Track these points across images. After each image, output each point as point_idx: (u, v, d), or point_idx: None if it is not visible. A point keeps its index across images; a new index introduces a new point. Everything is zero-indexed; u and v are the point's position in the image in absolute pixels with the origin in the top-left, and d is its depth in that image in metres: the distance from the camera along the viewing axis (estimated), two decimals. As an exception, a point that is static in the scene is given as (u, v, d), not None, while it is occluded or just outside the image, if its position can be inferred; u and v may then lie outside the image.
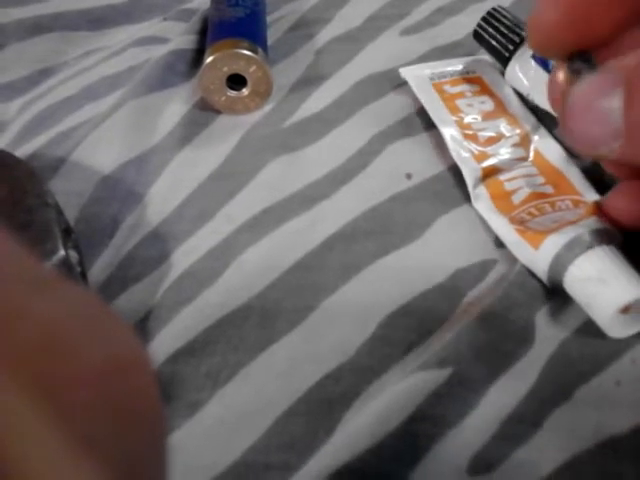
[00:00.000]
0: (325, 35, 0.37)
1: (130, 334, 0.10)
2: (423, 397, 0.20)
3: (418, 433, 0.20)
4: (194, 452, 0.21)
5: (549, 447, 0.19)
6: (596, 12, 0.18)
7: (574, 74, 0.19)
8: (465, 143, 0.29)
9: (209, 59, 0.32)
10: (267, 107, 0.33)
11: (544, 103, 0.30)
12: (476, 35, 0.33)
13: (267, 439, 0.21)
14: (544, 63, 0.31)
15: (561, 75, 0.20)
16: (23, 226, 0.26)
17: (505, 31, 0.32)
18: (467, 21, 0.35)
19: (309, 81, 0.34)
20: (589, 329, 0.22)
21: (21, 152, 0.34)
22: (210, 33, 0.34)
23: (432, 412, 0.20)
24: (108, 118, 0.33)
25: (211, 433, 0.22)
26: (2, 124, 0.37)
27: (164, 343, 0.24)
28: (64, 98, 0.36)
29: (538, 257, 0.23)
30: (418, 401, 0.20)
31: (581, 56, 0.19)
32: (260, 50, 0.33)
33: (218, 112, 0.34)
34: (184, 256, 0.27)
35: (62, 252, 0.26)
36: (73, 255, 0.27)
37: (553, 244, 0.23)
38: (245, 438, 0.21)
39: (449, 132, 0.29)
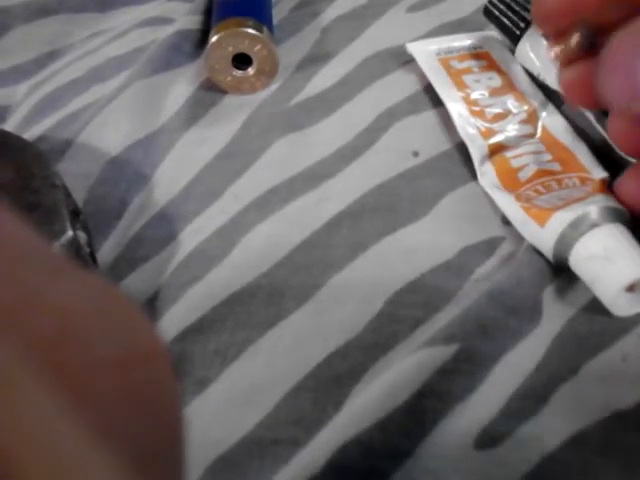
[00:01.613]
0: (331, 13, 0.36)
1: (147, 324, 0.10)
2: (430, 373, 0.21)
3: (425, 408, 0.20)
4: (203, 428, 0.22)
5: (555, 422, 0.20)
6: None
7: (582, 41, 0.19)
8: (472, 120, 0.28)
9: (214, 38, 0.32)
10: (273, 86, 0.33)
11: (555, 83, 0.29)
12: (486, 12, 0.32)
13: (275, 415, 0.21)
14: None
15: (573, 41, 0.21)
16: (30, 208, 0.26)
17: (517, 8, 0.31)
18: (474, -3, 0.35)
19: (315, 59, 0.34)
20: (596, 306, 0.22)
21: (28, 135, 0.34)
22: (215, 12, 0.34)
23: (439, 388, 0.20)
24: (114, 99, 0.33)
25: (220, 409, 0.22)
26: (9, 107, 0.37)
27: (172, 322, 0.25)
28: (71, 80, 0.36)
29: (544, 235, 0.23)
30: (425, 377, 0.20)
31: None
32: (265, 29, 0.33)
33: (224, 92, 0.33)
34: (192, 235, 0.28)
35: (70, 233, 0.26)
36: (82, 236, 0.27)
37: (559, 222, 0.23)
38: (253, 414, 0.22)
39: (456, 108, 0.29)
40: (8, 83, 0.38)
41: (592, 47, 0.21)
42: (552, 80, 0.30)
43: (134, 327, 0.09)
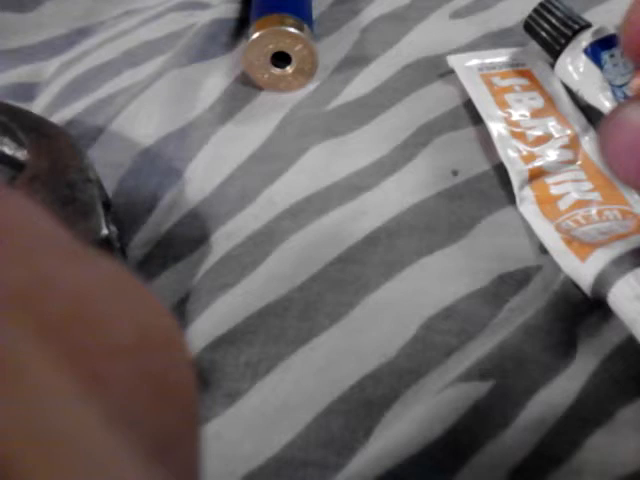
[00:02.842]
0: (371, 12, 0.36)
1: (163, 310, 0.10)
2: (465, 409, 0.21)
3: (458, 444, 0.20)
4: (233, 442, 0.22)
5: (588, 469, 0.20)
6: None
7: None
8: (513, 142, 0.28)
9: (255, 35, 0.31)
10: (310, 86, 0.33)
11: (594, 99, 0.29)
12: (527, 26, 0.32)
13: (306, 435, 0.22)
14: (596, 58, 0.30)
15: None
16: (66, 202, 0.26)
17: (557, 24, 0.31)
18: (520, 6, 0.34)
19: (354, 62, 0.33)
20: (631, 346, 0.22)
21: (58, 118, 0.33)
22: (255, 6, 0.33)
23: (473, 424, 0.21)
24: (148, 88, 0.33)
25: (250, 424, 0.22)
26: (38, 85, 0.36)
27: (203, 329, 0.25)
28: (103, 63, 0.35)
29: (584, 270, 0.23)
30: (460, 412, 0.21)
31: None
32: (306, 27, 0.32)
33: (260, 88, 0.33)
34: (224, 239, 0.27)
35: (105, 231, 0.26)
36: (113, 230, 0.27)
37: (601, 258, 0.23)
38: (284, 432, 0.22)
39: (497, 129, 0.28)
40: (38, 59, 0.37)
41: None
42: (591, 96, 0.29)
43: (149, 312, 0.09)
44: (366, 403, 0.22)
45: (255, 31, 0.31)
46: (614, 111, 0.14)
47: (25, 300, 0.08)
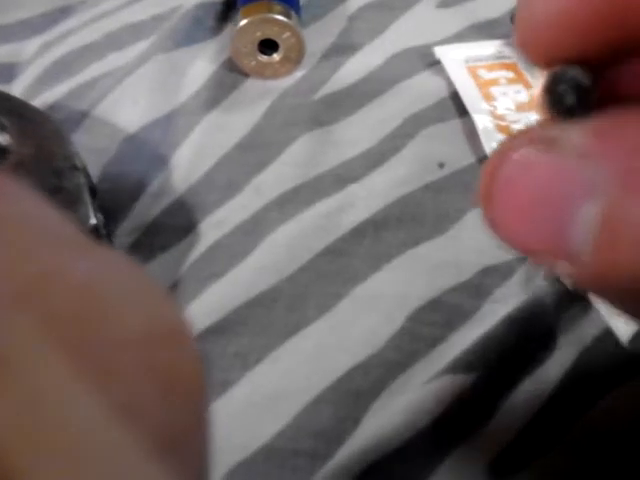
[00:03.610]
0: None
1: (171, 302, 0.10)
2: (450, 400, 0.21)
3: (443, 435, 0.21)
4: (223, 432, 0.22)
5: (570, 458, 0.21)
6: None
7: (553, 105, 0.11)
8: (497, 135, 0.28)
9: (242, 22, 0.31)
10: (297, 74, 0.33)
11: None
12: (514, 18, 0.32)
13: (296, 425, 0.22)
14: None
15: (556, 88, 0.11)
16: (53, 191, 0.26)
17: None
18: (506, -3, 0.35)
19: (341, 50, 0.33)
20: (610, 338, 0.23)
21: (40, 101, 0.33)
22: (242, -9, 0.33)
23: (458, 415, 0.21)
24: (133, 73, 0.33)
25: (240, 414, 0.23)
26: (17, 65, 0.36)
27: (192, 319, 0.25)
28: (85, 45, 0.35)
29: (566, 264, 0.24)
30: (445, 404, 0.21)
31: (573, 75, 0.11)
32: (294, 15, 0.32)
33: (246, 75, 0.33)
34: (212, 228, 0.27)
35: (93, 220, 0.26)
36: (99, 218, 0.27)
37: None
38: (273, 422, 0.22)
39: (482, 122, 0.29)
40: (16, 38, 0.37)
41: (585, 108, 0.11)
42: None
43: (157, 305, 0.09)
44: (354, 393, 0.23)
45: (242, 18, 0.31)
46: (501, 156, 0.11)
47: (32, 295, 0.08)
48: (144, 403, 0.08)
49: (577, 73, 0.11)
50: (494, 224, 0.11)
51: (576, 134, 0.10)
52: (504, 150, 0.11)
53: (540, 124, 0.11)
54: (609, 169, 0.09)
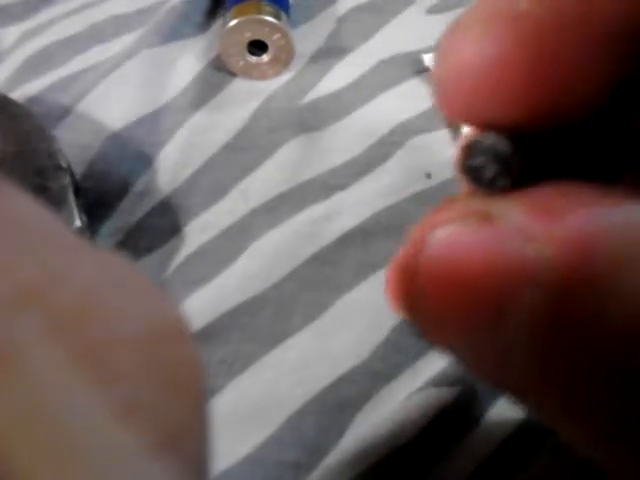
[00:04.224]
0: (348, 1, 0.35)
1: (170, 302, 0.10)
2: (433, 413, 0.22)
3: (427, 448, 0.21)
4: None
5: (552, 470, 0.21)
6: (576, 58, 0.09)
7: (472, 179, 0.10)
8: (485, 146, 0.29)
9: (232, 23, 0.30)
10: (285, 76, 0.32)
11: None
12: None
13: (279, 436, 0.22)
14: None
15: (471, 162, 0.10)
16: (36, 191, 0.25)
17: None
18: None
19: (330, 53, 0.33)
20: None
21: (20, 94, 0.32)
22: (232, -11, 0.33)
23: (441, 428, 0.22)
24: (118, 68, 0.32)
25: (224, 423, 0.23)
26: (-3, 54, 0.35)
27: None
28: (68, 36, 0.34)
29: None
30: (429, 417, 0.22)
31: (491, 144, 0.10)
32: (284, 16, 0.32)
33: (233, 74, 0.32)
34: (197, 232, 0.27)
35: (78, 222, 0.25)
36: (83, 219, 0.27)
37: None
38: (258, 432, 0.22)
39: (467, 132, 0.29)
40: (-5, 26, 0.36)
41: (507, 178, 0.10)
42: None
43: (157, 305, 0.09)
44: (339, 404, 0.23)
45: (232, 18, 0.30)
46: (425, 234, 0.09)
47: (35, 294, 0.08)
48: (145, 401, 0.08)
49: (495, 141, 0.09)
50: (417, 314, 0.10)
51: (513, 211, 0.09)
52: (428, 226, 0.09)
53: (466, 195, 0.10)
54: (555, 253, 0.08)
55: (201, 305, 0.25)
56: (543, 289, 0.08)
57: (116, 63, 0.32)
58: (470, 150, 0.10)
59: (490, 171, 0.10)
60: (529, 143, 0.10)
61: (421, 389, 0.22)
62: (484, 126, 0.10)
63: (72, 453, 0.07)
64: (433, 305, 0.09)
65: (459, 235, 0.09)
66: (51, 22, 0.35)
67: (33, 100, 0.32)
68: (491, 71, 0.09)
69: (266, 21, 0.30)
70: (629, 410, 0.08)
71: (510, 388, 0.09)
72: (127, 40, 0.34)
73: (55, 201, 0.25)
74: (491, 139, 0.10)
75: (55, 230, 0.09)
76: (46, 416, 0.07)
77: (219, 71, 0.32)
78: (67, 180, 0.26)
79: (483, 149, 0.10)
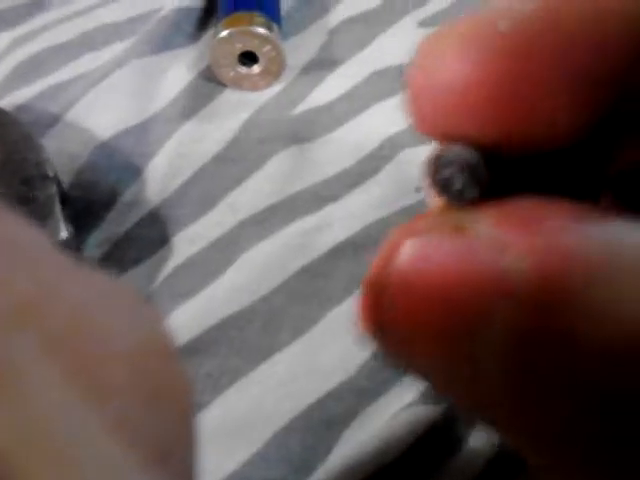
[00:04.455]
0: (340, 13, 0.35)
1: (157, 319, 0.10)
2: (422, 429, 0.21)
3: (414, 465, 0.21)
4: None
5: None
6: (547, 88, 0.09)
7: (441, 191, 0.10)
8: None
9: (223, 34, 0.30)
10: (276, 87, 0.32)
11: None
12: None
13: (265, 453, 0.22)
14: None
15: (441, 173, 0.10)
16: (22, 201, 0.25)
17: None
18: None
19: (321, 64, 0.33)
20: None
21: (8, 101, 0.32)
22: (223, 0, 0.33)
23: (429, 445, 0.21)
24: (108, 77, 0.32)
25: (210, 439, 0.22)
26: (-14, 60, 0.34)
27: None
28: (59, 43, 0.34)
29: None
30: (416, 434, 0.21)
31: (458, 155, 0.10)
32: (275, 27, 0.31)
33: (224, 85, 0.32)
34: (186, 243, 0.27)
35: (64, 233, 0.25)
36: (69, 230, 0.26)
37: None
38: (244, 449, 0.22)
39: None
40: (-16, 32, 0.35)
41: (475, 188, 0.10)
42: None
43: (145, 322, 0.10)
44: (326, 421, 0.22)
45: (223, 29, 0.30)
46: (396, 245, 0.09)
47: (30, 311, 0.08)
48: (135, 415, 0.08)
49: (462, 152, 0.09)
50: (387, 329, 0.09)
51: (485, 222, 0.09)
52: (399, 237, 0.09)
53: (438, 208, 0.10)
54: (530, 266, 0.08)
55: (188, 318, 0.25)
56: (516, 301, 0.08)
57: (106, 72, 0.32)
58: (438, 162, 0.10)
59: (458, 182, 0.09)
60: (501, 158, 0.10)
61: (408, 406, 0.22)
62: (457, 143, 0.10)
63: (67, 467, 0.07)
64: (403, 317, 0.09)
65: (430, 246, 0.09)
66: (43, 29, 0.35)
67: (21, 108, 0.31)
68: (466, 91, 0.09)
69: (257, 33, 0.30)
70: (604, 429, 0.07)
71: (480, 407, 0.09)
72: (118, 49, 0.33)
73: (41, 211, 0.25)
74: (458, 150, 0.09)
75: (44, 248, 0.09)
76: (43, 432, 0.07)
77: (209, 82, 0.32)
78: (54, 190, 0.26)
79: (450, 160, 0.09)
